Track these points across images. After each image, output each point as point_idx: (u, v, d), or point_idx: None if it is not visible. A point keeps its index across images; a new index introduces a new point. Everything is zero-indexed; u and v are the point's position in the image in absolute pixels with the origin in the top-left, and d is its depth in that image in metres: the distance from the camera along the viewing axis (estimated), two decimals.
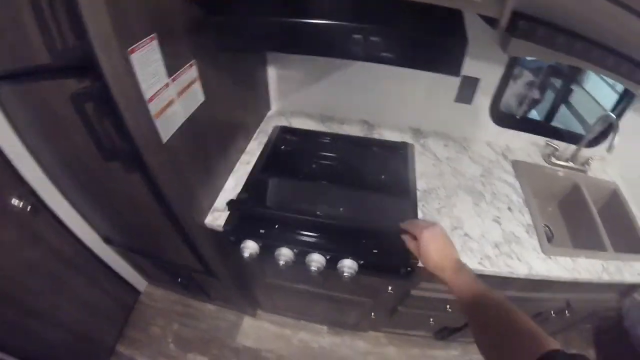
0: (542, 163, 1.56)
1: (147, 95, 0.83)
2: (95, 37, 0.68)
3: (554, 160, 1.54)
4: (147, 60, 0.80)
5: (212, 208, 1.25)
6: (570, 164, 1.54)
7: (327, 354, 1.96)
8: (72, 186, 1.34)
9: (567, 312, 1.38)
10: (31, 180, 1.28)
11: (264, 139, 1.51)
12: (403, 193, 1.32)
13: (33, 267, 1.36)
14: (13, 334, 1.35)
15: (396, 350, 1.97)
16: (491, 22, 0.87)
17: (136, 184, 1.05)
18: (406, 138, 1.58)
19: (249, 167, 1.38)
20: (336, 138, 1.51)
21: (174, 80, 0.91)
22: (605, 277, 1.15)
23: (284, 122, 1.62)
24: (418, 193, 1.33)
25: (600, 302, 1.38)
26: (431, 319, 1.56)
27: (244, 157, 1.44)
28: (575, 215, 1.49)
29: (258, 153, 1.44)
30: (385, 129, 1.63)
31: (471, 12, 0.82)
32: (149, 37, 0.78)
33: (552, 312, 1.40)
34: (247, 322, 2.02)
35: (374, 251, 1.16)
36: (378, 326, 1.93)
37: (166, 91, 0.89)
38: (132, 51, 0.74)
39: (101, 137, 0.90)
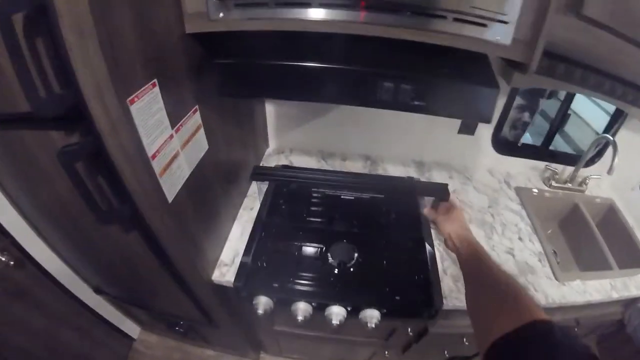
0: (543, 187, 1.58)
1: (151, 151, 0.74)
2: (87, 86, 0.58)
3: (553, 183, 1.56)
4: (149, 111, 0.71)
5: (219, 261, 1.17)
6: (569, 185, 1.55)
7: None
8: (60, 240, 1.23)
9: (576, 329, 1.40)
10: (14, 233, 1.18)
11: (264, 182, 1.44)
12: (416, 232, 1.28)
13: (19, 323, 1.27)
14: None
15: None
16: (514, 63, 0.85)
17: (135, 243, 0.97)
18: (410, 172, 1.55)
19: (253, 213, 1.31)
20: (340, 177, 1.45)
21: (177, 130, 0.83)
22: (615, 295, 1.18)
23: (283, 160, 1.56)
24: (432, 231, 1.29)
25: (607, 316, 1.41)
26: (445, 352, 1.52)
27: (246, 202, 1.38)
28: (577, 235, 1.52)
29: (261, 197, 1.37)
30: (388, 163, 1.59)
31: (499, 56, 0.81)
32: (150, 84, 0.70)
33: None
34: None
35: (396, 298, 1.11)
36: None
37: (170, 144, 0.81)
38: (132, 101, 0.66)
39: (95, 199, 0.77)
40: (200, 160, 0.96)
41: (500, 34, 0.73)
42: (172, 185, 0.85)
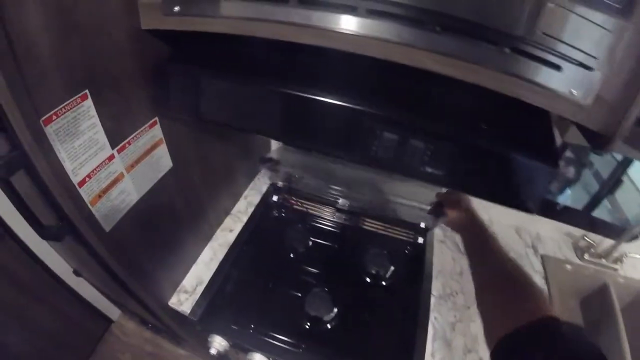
0: (574, 259, 1.31)
1: (77, 177, 0.61)
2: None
3: (587, 256, 1.30)
4: (75, 130, 0.58)
5: (180, 286, 1.05)
6: (603, 261, 1.29)
7: None
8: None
9: None
10: None
11: (256, 199, 1.29)
12: (413, 299, 1.07)
13: None
14: None
15: None
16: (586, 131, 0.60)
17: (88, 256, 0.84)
18: (425, 217, 1.32)
19: (231, 237, 1.16)
20: (340, 211, 1.27)
21: (122, 150, 0.69)
22: None
23: (281, 178, 1.37)
24: (432, 299, 1.08)
25: None
26: None
27: (227, 222, 1.22)
28: (597, 317, 1.26)
29: (245, 218, 1.22)
30: (401, 198, 1.37)
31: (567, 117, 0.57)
32: (77, 97, 0.56)
33: None
34: None
35: None
36: None
37: (109, 166, 0.67)
38: (48, 120, 0.53)
39: (33, 214, 0.65)
40: (158, 181, 0.81)
41: (577, 85, 0.46)
42: (110, 213, 0.71)
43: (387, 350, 0.98)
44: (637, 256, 1.27)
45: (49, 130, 0.53)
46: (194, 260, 1.10)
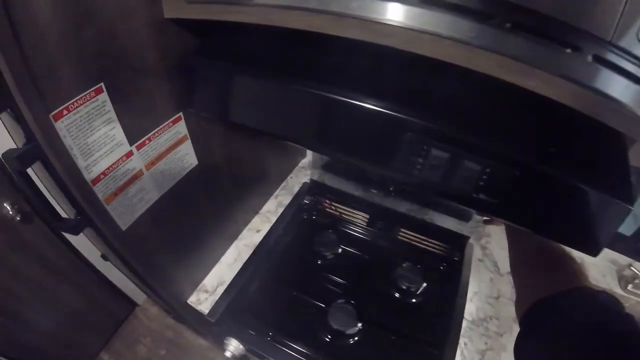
0: (617, 288, 1.17)
1: (91, 174, 0.57)
2: (14, 91, 0.43)
3: (630, 287, 1.16)
4: (90, 125, 0.54)
5: (201, 285, 1.01)
6: None
7: None
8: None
9: None
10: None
11: (287, 199, 1.23)
12: (443, 321, 0.99)
13: (17, 272, 1.30)
14: None
15: None
16: None
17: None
18: (464, 229, 1.21)
19: (258, 238, 1.11)
20: (375, 218, 1.19)
21: (141, 146, 0.65)
22: None
23: (316, 178, 1.29)
24: (464, 322, 1.00)
25: None
26: None
27: (255, 221, 1.17)
28: None
29: (274, 219, 1.17)
30: (439, 210, 1.27)
31: None
32: (91, 90, 0.52)
33: None
34: None
35: None
36: None
37: (127, 163, 0.63)
38: (59, 115, 0.49)
39: (50, 206, 0.63)
40: (182, 179, 0.77)
41: None
42: (127, 212, 0.68)
43: None
44: None
45: (60, 125, 0.50)
46: (217, 259, 1.06)
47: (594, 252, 0.49)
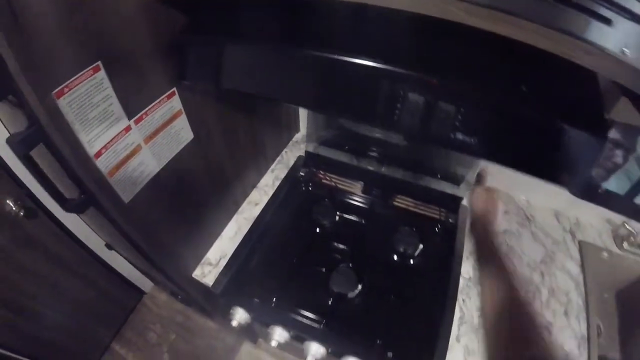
0: (613, 247, 1.22)
1: (94, 149, 0.61)
2: (15, 72, 0.46)
3: (625, 245, 1.20)
4: (90, 101, 0.57)
5: (204, 259, 1.05)
6: None
7: None
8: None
9: None
10: (30, 184, 1.18)
11: (283, 173, 1.26)
12: (441, 280, 1.02)
13: (24, 269, 1.31)
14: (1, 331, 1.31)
15: None
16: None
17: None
18: (459, 192, 1.24)
19: (257, 211, 1.14)
20: (370, 186, 1.22)
21: (139, 121, 0.68)
22: None
23: (311, 150, 1.31)
24: (461, 281, 1.03)
25: None
26: None
27: (253, 195, 1.21)
28: (633, 312, 1.19)
29: (271, 192, 1.20)
30: (431, 175, 1.29)
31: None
32: (89, 68, 0.54)
33: None
34: (246, 348, 1.84)
35: (389, 354, 0.90)
36: None
37: (126, 138, 0.66)
38: (60, 93, 0.52)
39: (55, 187, 0.65)
40: (178, 153, 0.80)
41: (631, 43, 0.38)
42: (129, 185, 0.71)
43: (410, 332, 0.95)
44: None
45: (62, 103, 0.52)
46: (218, 233, 1.09)
47: (571, 187, 0.53)
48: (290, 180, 1.23)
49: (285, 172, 1.26)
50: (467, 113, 0.50)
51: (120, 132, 0.65)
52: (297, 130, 1.42)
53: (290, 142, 1.39)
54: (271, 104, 1.17)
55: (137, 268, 1.77)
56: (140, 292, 1.98)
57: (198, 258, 1.04)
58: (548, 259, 1.14)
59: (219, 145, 0.94)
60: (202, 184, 0.94)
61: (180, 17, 0.67)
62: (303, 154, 1.31)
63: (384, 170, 1.20)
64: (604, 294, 1.26)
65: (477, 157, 0.59)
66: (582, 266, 1.15)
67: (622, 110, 0.59)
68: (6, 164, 1.08)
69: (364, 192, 1.22)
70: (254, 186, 1.22)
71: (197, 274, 1.02)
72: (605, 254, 1.19)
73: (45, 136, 0.55)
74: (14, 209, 1.16)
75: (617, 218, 1.25)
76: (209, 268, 1.03)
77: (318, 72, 0.57)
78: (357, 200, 1.23)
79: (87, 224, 1.46)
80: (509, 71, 0.52)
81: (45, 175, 0.64)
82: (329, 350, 0.92)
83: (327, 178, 1.25)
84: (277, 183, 1.22)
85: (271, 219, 1.14)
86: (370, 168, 1.21)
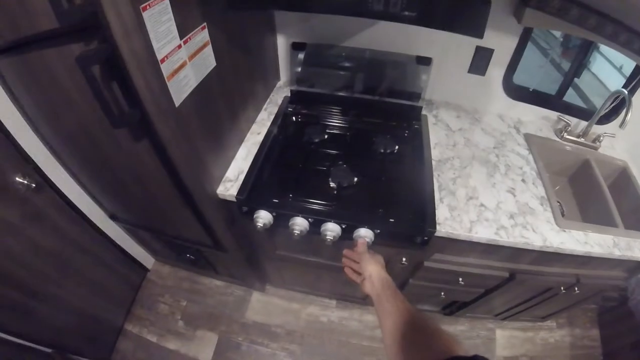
0: (554, 137, 1.54)
1: (160, 55, 0.80)
2: None
3: (565, 135, 1.52)
4: (159, 20, 0.77)
5: (224, 178, 1.23)
6: (582, 140, 1.51)
7: (336, 328, 1.97)
8: (78, 162, 1.32)
9: (576, 288, 1.37)
10: (36, 158, 1.26)
11: (275, 110, 1.49)
12: (418, 163, 1.30)
13: (36, 246, 1.34)
14: (16, 317, 1.33)
15: None
16: None
17: (145, 153, 1.03)
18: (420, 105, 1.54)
19: (260, 137, 1.36)
20: (347, 109, 1.49)
21: (185, 42, 0.88)
22: (617, 253, 1.15)
23: (294, 89, 1.58)
24: (433, 163, 1.31)
25: (608, 280, 1.38)
26: (442, 293, 1.55)
27: (254, 127, 1.42)
28: (585, 191, 1.49)
29: (268, 124, 1.42)
30: (395, 97, 1.57)
31: None
32: None
33: (562, 288, 1.39)
34: (256, 297, 2.01)
35: (390, 220, 1.14)
36: None
37: (178, 53, 0.86)
38: (144, 8, 0.71)
39: (109, 103, 0.82)
40: (207, 75, 1.01)
41: None
42: (178, 90, 0.90)
43: (404, 200, 1.20)
44: (612, 135, 1.49)
45: (146, 15, 0.72)
46: (232, 157, 1.29)
47: (479, 35, 0.86)
48: (282, 113, 1.46)
49: (276, 109, 1.49)
50: None
51: (175, 47, 0.85)
52: (278, 78, 1.66)
53: (275, 87, 1.63)
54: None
55: (140, 241, 1.88)
56: (144, 269, 2.08)
57: (219, 178, 1.22)
58: (499, 145, 1.45)
59: (229, 75, 1.15)
60: (219, 109, 1.15)
61: None
62: (287, 95, 1.56)
63: (356, 95, 1.47)
64: (557, 185, 1.57)
65: (418, 25, 0.86)
66: (530, 150, 1.45)
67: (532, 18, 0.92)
68: (14, 138, 1.16)
69: (343, 114, 1.48)
70: (253, 121, 1.44)
71: (220, 190, 1.20)
72: (549, 144, 1.48)
73: (115, 51, 0.72)
74: (25, 183, 1.20)
75: (552, 114, 1.57)
76: (230, 184, 1.21)
77: None
78: (339, 121, 1.49)
79: (90, 196, 1.54)
80: None
81: (102, 91, 0.78)
82: (343, 226, 1.14)
83: (311, 109, 1.49)
84: (272, 117, 1.45)
85: (274, 141, 1.36)
86: (345, 94, 1.49)
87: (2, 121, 1.11)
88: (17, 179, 1.19)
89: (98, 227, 1.66)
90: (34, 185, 1.23)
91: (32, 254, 1.32)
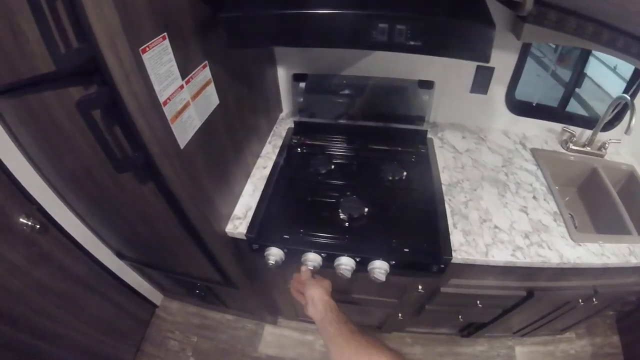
0: (560, 149, 1.53)
1: (162, 97, 0.79)
2: (102, 37, 0.63)
3: (571, 146, 1.51)
4: (160, 61, 0.76)
5: (232, 216, 1.21)
6: (588, 149, 1.51)
7: None
8: (82, 202, 1.29)
9: (594, 299, 1.34)
10: (39, 198, 1.24)
11: (279, 142, 1.48)
12: (428, 188, 1.28)
13: (42, 287, 1.31)
14: (26, 359, 1.30)
15: (423, 350, 1.93)
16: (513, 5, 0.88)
17: (150, 195, 1.01)
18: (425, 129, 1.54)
19: (266, 172, 1.35)
20: (351, 138, 1.48)
21: (187, 82, 0.87)
22: (633, 261, 1.13)
23: (297, 120, 1.57)
24: (443, 187, 1.29)
25: (626, 287, 1.35)
26: (460, 316, 1.52)
27: (260, 161, 1.41)
28: (596, 200, 1.47)
29: (273, 157, 1.41)
30: (398, 122, 1.57)
31: None
32: (160, 36, 0.74)
33: (580, 301, 1.36)
34: (268, 330, 1.97)
35: (405, 250, 1.12)
36: (402, 326, 1.88)
37: (181, 94, 0.85)
38: (144, 50, 0.70)
39: (112, 146, 0.81)
40: (211, 114, 1.00)
41: None
42: (183, 132, 0.89)
43: (417, 228, 1.18)
44: (617, 141, 1.48)
45: (145, 57, 0.71)
46: (239, 194, 1.27)
47: (484, 60, 0.85)
48: (287, 145, 1.45)
49: (281, 141, 1.48)
50: (412, 28, 0.81)
51: (178, 88, 0.84)
52: (280, 110, 1.65)
53: (277, 119, 1.63)
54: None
55: (148, 278, 1.84)
56: (152, 305, 2.04)
57: (227, 216, 1.20)
58: (507, 163, 1.44)
59: (233, 112, 1.15)
60: (225, 146, 1.13)
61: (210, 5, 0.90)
62: (291, 127, 1.55)
63: (360, 123, 1.46)
64: (566, 196, 1.56)
65: (424, 54, 0.85)
66: (538, 165, 1.44)
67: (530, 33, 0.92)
68: (16, 179, 1.14)
69: (348, 142, 1.47)
70: (258, 155, 1.43)
71: (229, 228, 1.18)
72: (556, 157, 1.47)
73: (115, 94, 0.71)
74: (29, 224, 1.17)
75: (557, 126, 1.57)
76: (239, 221, 1.19)
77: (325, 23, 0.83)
78: (345, 150, 1.47)
79: (95, 234, 1.52)
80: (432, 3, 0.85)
81: (104, 134, 0.77)
82: (357, 260, 1.11)
83: (315, 139, 1.48)
84: (277, 150, 1.43)
85: (280, 175, 1.34)
86: (349, 123, 1.47)
87: (4, 161, 1.09)
88: (21, 220, 1.16)
89: (105, 265, 1.64)
90: (38, 226, 1.20)
91: (39, 295, 1.30)
